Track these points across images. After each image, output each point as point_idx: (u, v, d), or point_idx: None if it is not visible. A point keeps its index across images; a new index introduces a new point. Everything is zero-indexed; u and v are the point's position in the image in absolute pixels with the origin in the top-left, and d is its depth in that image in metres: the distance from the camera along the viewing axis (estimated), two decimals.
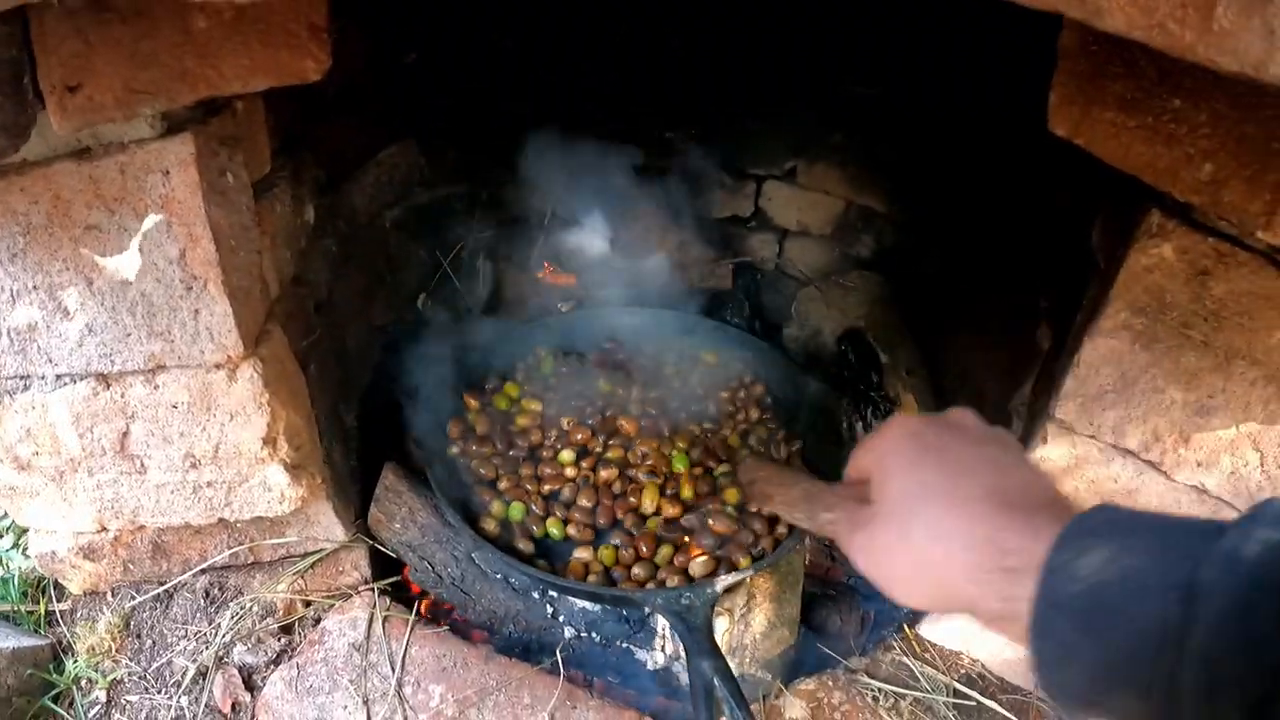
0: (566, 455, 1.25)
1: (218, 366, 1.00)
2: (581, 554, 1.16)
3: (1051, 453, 1.01)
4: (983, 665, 1.20)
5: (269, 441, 1.05)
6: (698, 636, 0.96)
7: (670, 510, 1.20)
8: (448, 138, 1.46)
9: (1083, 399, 0.96)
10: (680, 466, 1.24)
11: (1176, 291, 0.85)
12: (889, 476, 0.50)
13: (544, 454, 1.27)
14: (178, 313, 0.96)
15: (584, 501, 1.20)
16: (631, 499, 1.21)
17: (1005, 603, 0.41)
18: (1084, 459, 1.01)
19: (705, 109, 1.52)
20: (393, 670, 1.09)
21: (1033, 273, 1.30)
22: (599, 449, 1.27)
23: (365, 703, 1.07)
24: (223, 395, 1.02)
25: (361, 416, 1.34)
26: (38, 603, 1.25)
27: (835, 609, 1.31)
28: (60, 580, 1.24)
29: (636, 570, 1.13)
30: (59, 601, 1.24)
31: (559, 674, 1.09)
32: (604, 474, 1.23)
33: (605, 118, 1.49)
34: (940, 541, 0.44)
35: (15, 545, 1.32)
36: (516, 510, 1.17)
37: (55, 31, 0.79)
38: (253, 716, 1.10)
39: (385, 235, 1.40)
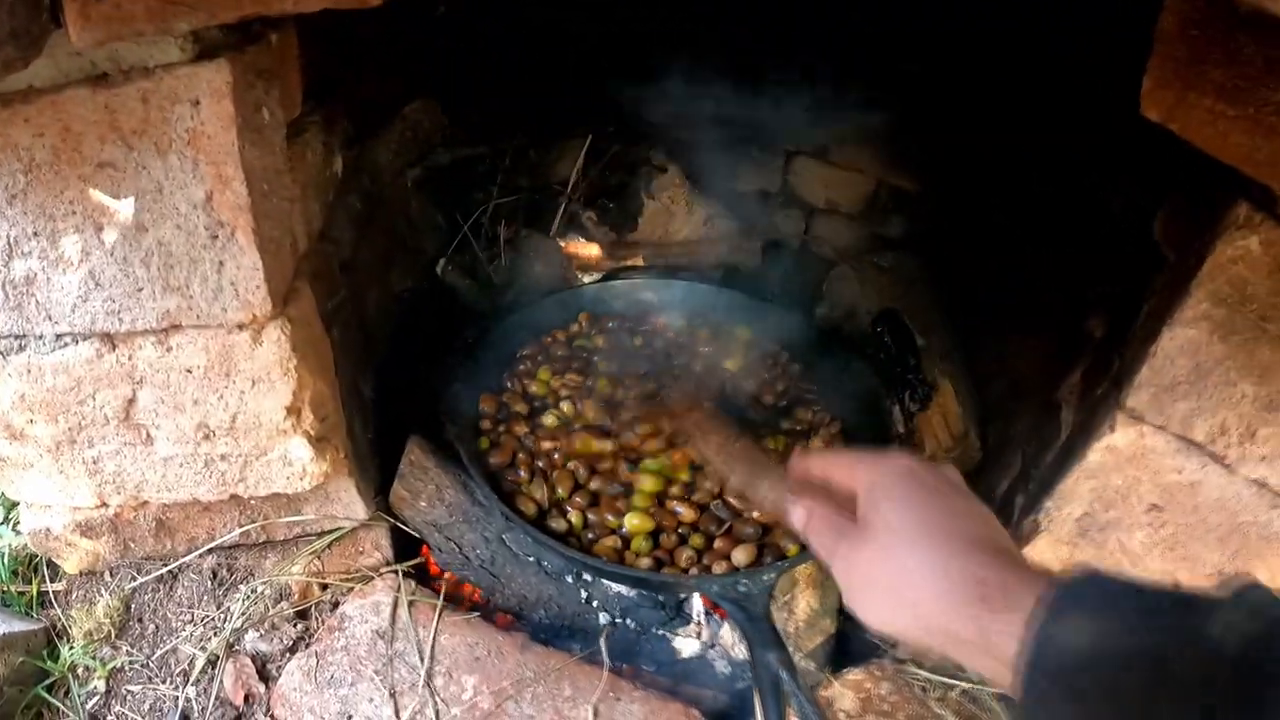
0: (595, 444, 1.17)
1: (241, 327, 0.91)
2: (609, 540, 1.09)
3: (1119, 441, 0.98)
4: None
5: (293, 411, 0.97)
6: (761, 626, 0.90)
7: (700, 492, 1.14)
8: (471, 97, 1.37)
9: (1156, 389, 0.94)
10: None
11: (1258, 284, 0.83)
12: (888, 501, 0.54)
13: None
14: (199, 265, 0.88)
15: (596, 485, 1.12)
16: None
17: (983, 635, 0.45)
18: (1150, 449, 0.98)
19: (738, 80, 1.45)
20: (422, 660, 1.02)
21: (1076, 261, 1.27)
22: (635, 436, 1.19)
23: (392, 695, 1.00)
24: (245, 359, 0.93)
25: (378, 388, 1.26)
26: (29, 583, 1.15)
27: None
28: (55, 559, 1.14)
29: (679, 555, 1.07)
30: (53, 582, 1.15)
31: (600, 663, 1.04)
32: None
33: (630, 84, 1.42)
34: (928, 572, 0.48)
35: (5, 520, 1.22)
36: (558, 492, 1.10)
37: None
38: (268, 709, 1.02)
39: (407, 196, 1.32)
